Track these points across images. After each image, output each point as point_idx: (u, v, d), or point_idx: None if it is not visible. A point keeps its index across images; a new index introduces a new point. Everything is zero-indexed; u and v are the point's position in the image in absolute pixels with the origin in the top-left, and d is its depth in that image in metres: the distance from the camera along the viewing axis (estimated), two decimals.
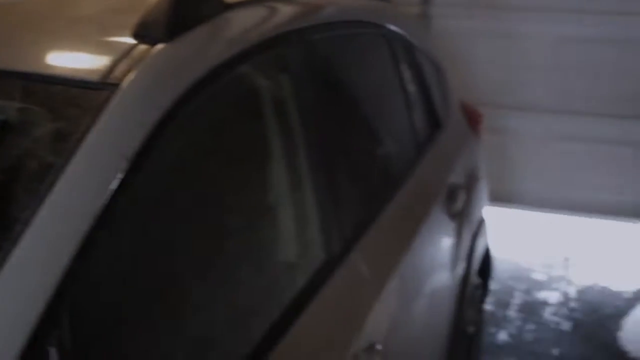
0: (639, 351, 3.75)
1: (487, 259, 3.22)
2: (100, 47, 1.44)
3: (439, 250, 2.49)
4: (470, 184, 2.87)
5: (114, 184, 1.14)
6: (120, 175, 1.15)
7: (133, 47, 1.36)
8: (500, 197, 4.62)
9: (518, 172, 4.78)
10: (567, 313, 4.11)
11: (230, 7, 1.64)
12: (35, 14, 1.67)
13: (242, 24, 1.66)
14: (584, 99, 4.56)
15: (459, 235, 2.68)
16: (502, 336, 3.85)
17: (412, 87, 2.55)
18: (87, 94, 1.25)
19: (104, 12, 1.65)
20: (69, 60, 1.43)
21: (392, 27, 2.52)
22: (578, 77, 4.53)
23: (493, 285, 4.24)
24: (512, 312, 4.12)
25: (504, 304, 4.16)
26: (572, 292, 4.32)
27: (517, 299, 4.22)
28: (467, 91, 4.64)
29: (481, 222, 3.02)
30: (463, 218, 2.73)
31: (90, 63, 1.37)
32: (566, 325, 3.97)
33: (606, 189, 4.64)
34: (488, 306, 3.98)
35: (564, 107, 4.60)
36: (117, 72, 1.29)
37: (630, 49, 4.39)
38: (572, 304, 4.17)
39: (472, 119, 3.13)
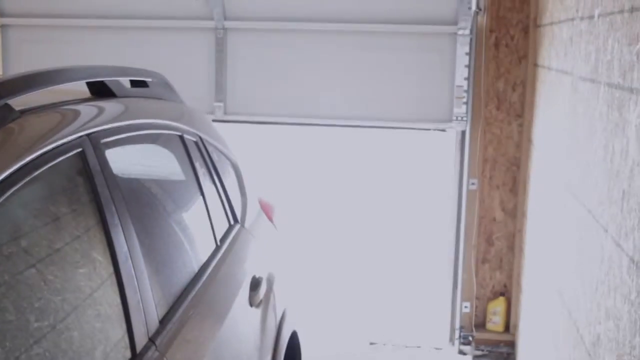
0: None
1: (294, 345, 3.28)
2: None
3: (243, 342, 2.54)
4: (271, 274, 2.97)
5: None
6: None
7: None
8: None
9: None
10: None
11: (24, 113, 1.66)
12: None
13: (35, 130, 1.67)
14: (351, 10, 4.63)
15: (263, 324, 2.75)
16: None
17: (208, 185, 2.65)
18: None
19: None
20: None
21: (188, 129, 2.63)
22: None
23: None
24: None
25: None
26: None
27: None
28: None
29: (285, 310, 3.11)
30: (267, 307, 2.81)
31: None
32: None
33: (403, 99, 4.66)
34: None
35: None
36: None
37: None
38: None
39: (266, 211, 3.26)
